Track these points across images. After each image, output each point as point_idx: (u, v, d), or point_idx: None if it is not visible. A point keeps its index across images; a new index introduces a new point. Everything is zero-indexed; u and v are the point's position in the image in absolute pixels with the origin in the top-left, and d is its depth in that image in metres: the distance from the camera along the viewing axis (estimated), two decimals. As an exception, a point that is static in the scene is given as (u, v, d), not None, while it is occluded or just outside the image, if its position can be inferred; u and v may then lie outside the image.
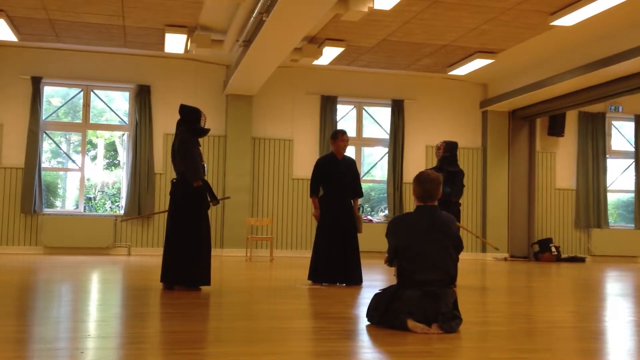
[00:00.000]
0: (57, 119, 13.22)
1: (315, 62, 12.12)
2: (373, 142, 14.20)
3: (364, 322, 4.62)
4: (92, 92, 12.95)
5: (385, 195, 13.92)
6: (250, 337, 4.12)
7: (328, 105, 13.47)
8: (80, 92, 12.92)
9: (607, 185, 14.63)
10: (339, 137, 7.68)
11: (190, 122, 6.66)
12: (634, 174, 14.88)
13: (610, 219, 14.85)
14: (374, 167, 14.50)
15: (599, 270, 11.52)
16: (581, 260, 14.06)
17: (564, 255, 14.12)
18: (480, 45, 11.53)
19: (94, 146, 14.42)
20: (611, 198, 15.09)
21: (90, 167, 13.88)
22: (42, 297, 6.11)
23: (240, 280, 8.31)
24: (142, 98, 12.70)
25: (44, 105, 12.71)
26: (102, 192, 14.31)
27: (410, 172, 12.62)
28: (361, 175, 13.71)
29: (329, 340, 4.08)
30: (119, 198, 13.48)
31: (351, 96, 13.78)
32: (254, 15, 9.30)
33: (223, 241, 12.70)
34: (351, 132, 13.55)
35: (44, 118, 12.59)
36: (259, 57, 10.53)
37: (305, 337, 4.34)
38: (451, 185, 7.43)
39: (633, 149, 14.92)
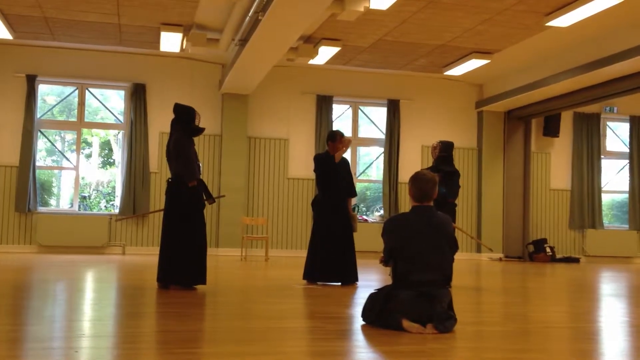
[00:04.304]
0: (51, 117, 13.19)
1: (311, 62, 12.11)
2: (369, 141, 14.21)
3: (359, 321, 4.62)
4: (87, 91, 12.92)
5: (381, 195, 13.92)
6: (246, 336, 4.12)
7: (324, 105, 13.47)
8: (75, 90, 12.88)
9: (602, 186, 14.68)
10: (339, 139, 7.66)
11: (184, 121, 6.64)
12: (628, 174, 14.92)
13: (605, 220, 14.88)
14: (369, 166, 14.50)
15: (593, 271, 11.55)
16: (576, 260, 14.09)
17: (558, 256, 14.15)
18: (476, 45, 11.55)
19: (89, 145, 14.40)
20: (606, 199, 15.12)
21: (85, 166, 13.85)
22: (36, 296, 6.08)
23: (235, 279, 8.31)
24: (138, 97, 12.67)
25: (39, 104, 12.67)
26: (97, 190, 14.28)
27: (406, 172, 12.64)
28: (357, 175, 13.78)
29: (324, 339, 4.08)
30: (114, 197, 13.45)
31: (347, 96, 13.78)
32: (249, 15, 9.29)
33: (218, 240, 12.69)
34: (347, 132, 13.54)
35: (38, 116, 12.55)
36: (255, 56, 10.52)
37: (301, 336, 4.34)
38: (447, 186, 7.43)
39: (628, 150, 14.96)
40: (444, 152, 7.76)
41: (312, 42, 11.42)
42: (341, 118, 13.92)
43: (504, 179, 14.29)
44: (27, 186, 12.03)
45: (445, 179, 7.35)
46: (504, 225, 14.16)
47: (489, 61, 12.15)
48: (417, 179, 4.57)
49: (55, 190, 13.94)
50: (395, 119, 13.77)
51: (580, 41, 10.94)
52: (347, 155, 13.18)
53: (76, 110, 12.97)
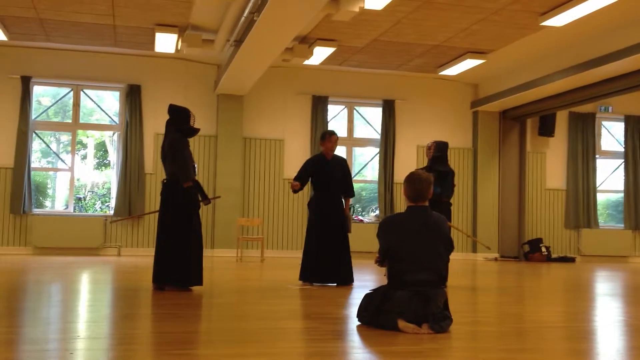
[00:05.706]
0: (46, 119, 13.17)
1: (306, 62, 12.11)
2: (364, 142, 14.21)
3: (354, 322, 4.62)
4: (82, 92, 12.90)
5: (376, 195, 13.93)
6: (241, 337, 4.12)
7: (319, 105, 13.47)
8: (70, 91, 12.85)
9: (597, 186, 14.71)
10: (327, 138, 7.70)
11: (179, 122, 6.63)
12: (623, 174, 14.95)
13: (600, 219, 14.92)
14: (365, 167, 14.51)
15: (588, 270, 11.57)
16: (571, 260, 14.11)
17: (554, 255, 14.18)
18: (471, 45, 11.56)
19: (84, 146, 14.36)
20: (601, 198, 15.16)
21: (80, 167, 13.82)
22: (31, 298, 6.08)
23: (231, 280, 8.30)
24: (133, 98, 12.65)
25: (34, 105, 12.65)
26: (92, 192, 14.25)
27: (401, 172, 12.64)
28: (353, 176, 13.75)
29: (320, 340, 4.08)
30: (109, 198, 13.43)
31: (342, 96, 13.78)
32: (244, 15, 9.29)
33: (214, 241, 12.67)
34: (342, 132, 13.56)
35: (33, 118, 12.52)
36: (250, 57, 10.52)
37: (297, 337, 4.33)
38: (442, 185, 7.45)
39: (623, 149, 15.00)
40: (439, 152, 7.78)
41: (307, 42, 11.42)
42: (336, 118, 13.92)
43: (499, 178, 14.30)
44: (22, 188, 12.00)
45: (439, 179, 7.36)
46: (499, 225, 14.18)
47: (484, 61, 12.16)
48: (412, 179, 4.57)
49: (50, 191, 13.91)
50: (390, 119, 13.78)
51: (575, 41, 10.96)
52: (343, 155, 13.22)
53: (71, 112, 12.95)
